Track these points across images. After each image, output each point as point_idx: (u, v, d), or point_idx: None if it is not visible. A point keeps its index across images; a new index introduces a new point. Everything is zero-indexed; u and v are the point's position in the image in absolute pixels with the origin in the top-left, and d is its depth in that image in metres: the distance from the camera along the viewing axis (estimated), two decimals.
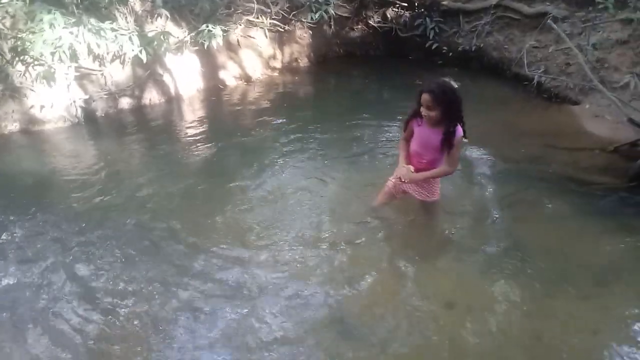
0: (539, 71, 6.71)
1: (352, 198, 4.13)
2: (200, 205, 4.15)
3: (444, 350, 2.71)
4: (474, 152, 4.95)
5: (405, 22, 8.32)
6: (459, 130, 3.06)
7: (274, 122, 5.97)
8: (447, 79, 3.46)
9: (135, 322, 2.90)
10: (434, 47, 7.95)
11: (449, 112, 3.00)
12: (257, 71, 7.66)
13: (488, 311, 2.98)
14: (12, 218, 3.93)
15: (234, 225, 3.81)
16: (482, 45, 7.63)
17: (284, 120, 6.00)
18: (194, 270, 3.32)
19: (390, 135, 5.48)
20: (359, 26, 8.61)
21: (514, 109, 6.34)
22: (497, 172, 4.66)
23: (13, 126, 5.57)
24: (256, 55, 7.68)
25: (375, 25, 8.47)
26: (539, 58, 6.92)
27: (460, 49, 7.80)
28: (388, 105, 6.62)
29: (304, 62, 8.24)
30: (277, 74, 7.85)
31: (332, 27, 8.11)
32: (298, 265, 3.35)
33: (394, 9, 8.47)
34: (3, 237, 3.70)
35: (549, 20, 6.63)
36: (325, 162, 4.81)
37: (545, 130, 5.54)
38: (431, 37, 7.95)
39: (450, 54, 7.92)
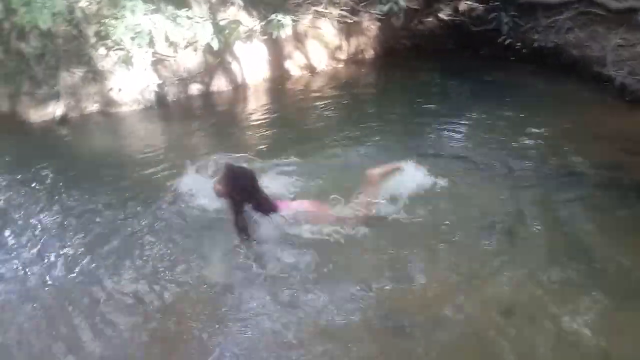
0: (624, 72, 6.22)
1: None
2: None
3: None
4: (548, 154, 4.69)
5: (478, 15, 8.00)
6: None
7: (335, 114, 5.97)
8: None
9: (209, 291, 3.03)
10: (507, 42, 7.58)
11: None
12: (322, 62, 7.68)
13: (552, 323, 2.82)
14: (85, 190, 4.16)
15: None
16: (560, 42, 7.19)
17: (346, 112, 5.99)
18: (256, 254, 3.38)
19: (455, 135, 5.29)
20: (429, 19, 8.38)
21: (593, 111, 5.92)
22: (570, 175, 4.40)
23: (93, 107, 5.95)
24: (322, 46, 7.69)
25: (446, 18, 8.22)
26: (625, 58, 6.41)
27: (535, 45, 7.39)
28: (455, 102, 6.40)
29: (369, 54, 8.15)
30: (341, 66, 7.82)
31: (401, 19, 7.95)
32: (350, 261, 3.32)
33: (467, 2, 8.17)
34: (77, 208, 3.94)
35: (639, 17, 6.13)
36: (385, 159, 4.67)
37: (627, 136, 5.15)
38: (505, 31, 7.58)
39: (524, 50, 7.53)
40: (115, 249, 3.42)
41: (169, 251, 3.37)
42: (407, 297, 3.02)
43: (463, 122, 5.47)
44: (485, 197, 3.99)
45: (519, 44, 7.55)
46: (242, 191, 3.24)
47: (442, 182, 3.85)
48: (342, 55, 7.90)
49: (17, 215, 3.82)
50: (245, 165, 3.59)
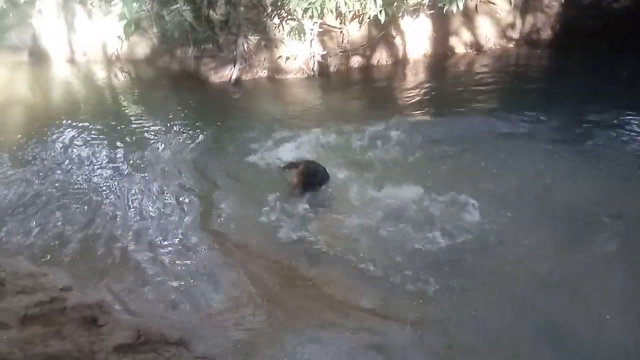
0: None
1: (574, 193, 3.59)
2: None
3: None
4: None
5: None
6: None
7: (497, 99, 5.51)
8: None
9: None
10: None
11: None
12: (490, 40, 7.14)
13: None
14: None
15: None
16: None
17: (509, 98, 5.48)
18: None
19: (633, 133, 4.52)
20: None
21: None
22: None
23: (262, 73, 6.38)
24: (493, 23, 7.13)
25: None
26: None
27: None
28: None
29: (546, 35, 7.33)
30: (512, 46, 7.19)
31: None
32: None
33: None
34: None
35: None
36: (554, 156, 4.19)
37: None
38: None
39: None
40: None
41: None
42: None
43: None
44: None
45: None
46: (309, 185, 3.63)
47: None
48: (515, 34, 7.24)
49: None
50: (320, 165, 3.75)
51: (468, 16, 7.03)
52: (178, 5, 6.01)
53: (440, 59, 6.84)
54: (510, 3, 7.00)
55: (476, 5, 6.95)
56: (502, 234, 3.24)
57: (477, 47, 7.06)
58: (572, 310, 2.69)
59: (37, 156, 4.35)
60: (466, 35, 7.07)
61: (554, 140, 4.45)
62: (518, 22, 7.23)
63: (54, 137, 4.73)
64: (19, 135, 4.69)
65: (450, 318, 2.67)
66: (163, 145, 4.57)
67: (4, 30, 7.57)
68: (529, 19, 7.27)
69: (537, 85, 6.03)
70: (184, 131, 4.88)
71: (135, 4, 5.69)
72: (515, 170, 3.98)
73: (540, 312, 2.69)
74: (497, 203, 3.52)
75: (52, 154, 4.40)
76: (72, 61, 6.65)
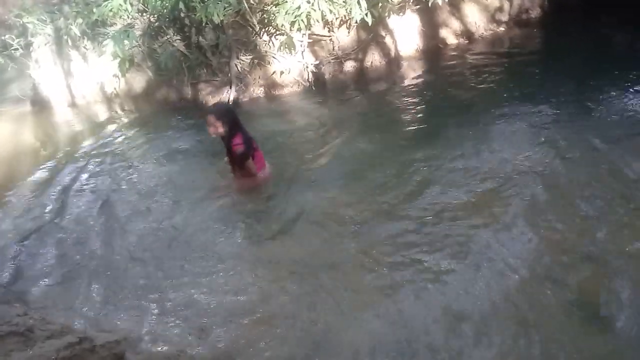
0: None
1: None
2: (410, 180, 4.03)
3: None
4: None
5: None
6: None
7: (494, 86, 5.49)
8: None
9: None
10: None
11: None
12: (480, 27, 7.15)
13: None
14: None
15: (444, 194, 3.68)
16: None
17: (506, 84, 5.46)
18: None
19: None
20: None
21: None
22: None
23: (259, 90, 6.43)
24: (480, 8, 7.15)
25: None
26: None
27: None
28: None
29: (536, 13, 7.33)
30: (503, 29, 7.19)
31: None
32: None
33: None
34: None
35: None
36: (558, 143, 4.09)
37: None
38: None
39: None
40: None
41: None
42: None
43: None
44: None
45: None
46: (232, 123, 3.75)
47: None
48: (504, 17, 7.25)
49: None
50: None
51: (455, 6, 7.06)
52: (168, 37, 6.13)
53: (433, 52, 6.85)
54: None
55: None
56: None
57: (467, 35, 7.07)
58: None
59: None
60: (455, 25, 7.09)
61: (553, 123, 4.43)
62: (506, 4, 7.26)
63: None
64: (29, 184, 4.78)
65: None
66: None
67: (5, 84, 7.77)
68: (517, 0, 7.28)
69: (531, 64, 5.98)
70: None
71: (126, 41, 5.79)
72: None
73: None
74: None
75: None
76: (72, 105, 6.78)
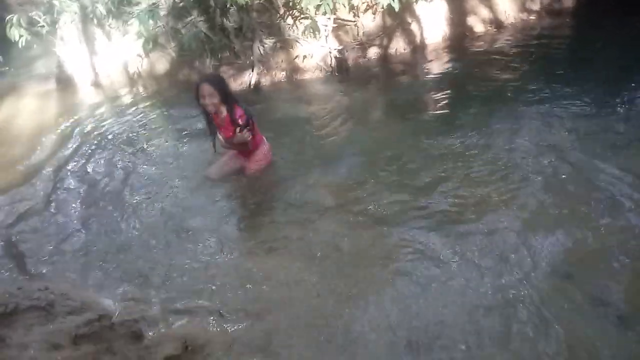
0: None
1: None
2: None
3: None
4: None
5: None
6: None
7: (521, 78, 5.30)
8: None
9: None
10: None
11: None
12: (510, 15, 6.95)
13: None
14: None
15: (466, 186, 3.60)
16: None
17: (534, 76, 5.25)
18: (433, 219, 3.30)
19: None
20: None
21: None
22: None
23: (281, 75, 6.37)
24: None
25: None
26: None
27: None
28: None
29: (569, 3, 7.07)
30: (533, 18, 6.97)
31: None
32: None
33: None
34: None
35: None
36: (574, 142, 3.95)
37: None
38: None
39: None
40: None
41: None
42: None
43: None
44: None
45: None
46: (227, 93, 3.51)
47: None
48: (535, 6, 7.02)
49: None
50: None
51: None
52: (192, 17, 6.09)
53: (459, 40, 6.68)
54: None
55: None
56: None
57: (496, 24, 6.88)
58: None
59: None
60: (484, 13, 6.90)
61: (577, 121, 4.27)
62: None
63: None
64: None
65: None
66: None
67: (31, 61, 7.86)
68: None
69: (561, 55, 5.78)
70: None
71: (150, 21, 5.77)
72: None
73: None
74: None
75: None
76: (96, 84, 6.82)
